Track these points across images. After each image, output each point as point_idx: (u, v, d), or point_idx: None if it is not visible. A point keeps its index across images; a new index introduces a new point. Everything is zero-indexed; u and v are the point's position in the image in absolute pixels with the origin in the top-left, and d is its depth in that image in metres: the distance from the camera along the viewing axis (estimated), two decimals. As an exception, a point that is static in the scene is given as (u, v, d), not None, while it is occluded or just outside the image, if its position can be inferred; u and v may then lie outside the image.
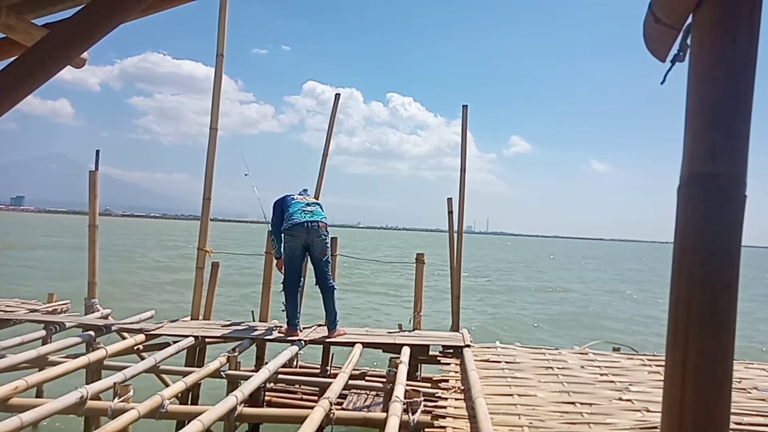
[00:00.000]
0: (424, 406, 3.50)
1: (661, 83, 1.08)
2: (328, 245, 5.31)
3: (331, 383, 3.81)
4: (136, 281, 17.96)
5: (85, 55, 2.38)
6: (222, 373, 4.21)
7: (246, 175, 6.25)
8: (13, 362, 4.08)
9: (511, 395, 3.65)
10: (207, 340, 5.15)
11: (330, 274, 5.35)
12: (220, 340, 5.24)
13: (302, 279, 5.45)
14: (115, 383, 3.54)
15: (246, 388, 3.58)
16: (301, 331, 5.32)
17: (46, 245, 33.70)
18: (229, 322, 5.63)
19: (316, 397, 5.04)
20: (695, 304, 0.88)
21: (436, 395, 3.70)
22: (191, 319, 5.76)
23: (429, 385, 4.50)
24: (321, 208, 5.39)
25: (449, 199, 6.12)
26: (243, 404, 3.54)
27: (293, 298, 5.31)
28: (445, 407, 3.43)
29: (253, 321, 5.87)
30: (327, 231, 5.26)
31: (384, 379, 4.23)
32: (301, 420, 3.06)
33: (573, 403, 3.52)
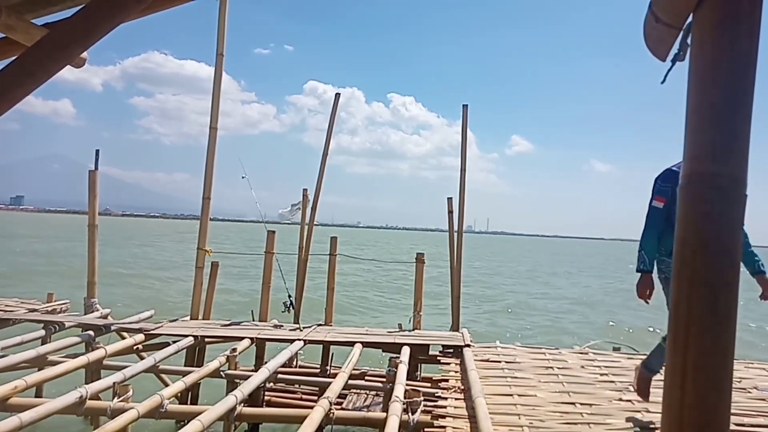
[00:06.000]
0: (424, 405, 3.50)
1: (662, 82, 1.08)
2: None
3: (330, 383, 3.81)
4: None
5: (85, 54, 2.37)
6: (221, 372, 4.21)
7: (243, 177, 6.27)
8: (13, 362, 4.07)
9: (511, 395, 3.64)
10: (206, 339, 5.15)
11: None
12: (219, 339, 5.23)
13: None
14: (114, 383, 3.54)
15: (245, 388, 3.57)
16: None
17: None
18: (228, 322, 5.63)
19: (315, 397, 5.02)
20: (696, 303, 0.88)
21: (436, 395, 3.70)
22: (191, 319, 5.75)
23: (429, 384, 4.49)
24: None
25: (449, 199, 6.12)
26: (242, 404, 3.54)
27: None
28: (445, 407, 3.43)
29: (253, 320, 5.87)
30: None
31: (384, 379, 4.23)
32: (300, 420, 3.06)
33: (573, 403, 3.51)
